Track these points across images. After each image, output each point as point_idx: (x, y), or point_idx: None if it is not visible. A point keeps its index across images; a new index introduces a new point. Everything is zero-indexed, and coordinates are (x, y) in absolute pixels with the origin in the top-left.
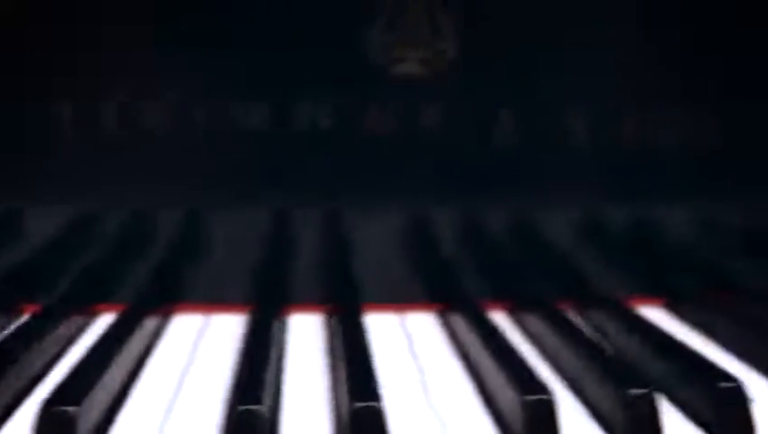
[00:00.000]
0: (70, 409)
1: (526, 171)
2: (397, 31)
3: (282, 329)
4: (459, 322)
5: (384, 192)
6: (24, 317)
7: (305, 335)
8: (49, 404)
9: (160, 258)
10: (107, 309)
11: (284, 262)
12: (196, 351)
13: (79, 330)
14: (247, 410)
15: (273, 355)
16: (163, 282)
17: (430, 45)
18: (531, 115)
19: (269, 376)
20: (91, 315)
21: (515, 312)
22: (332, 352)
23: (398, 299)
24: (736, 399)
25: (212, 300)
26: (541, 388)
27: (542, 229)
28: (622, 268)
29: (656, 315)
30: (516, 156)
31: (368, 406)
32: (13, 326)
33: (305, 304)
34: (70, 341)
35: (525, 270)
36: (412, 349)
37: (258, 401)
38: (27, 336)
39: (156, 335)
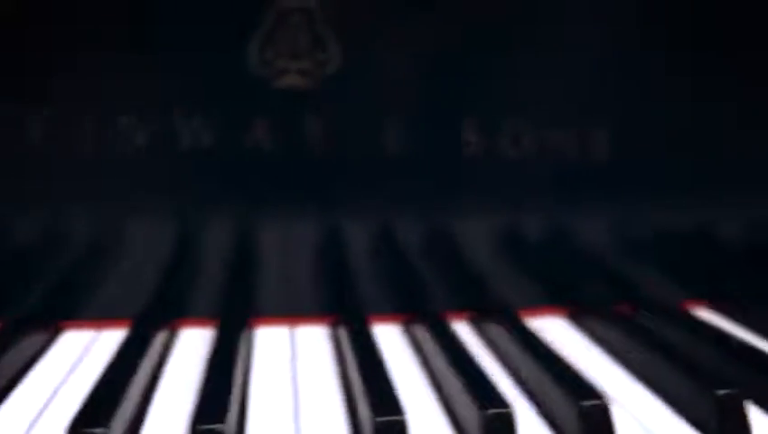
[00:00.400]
0: None
1: (412, 180)
2: (277, 43)
3: (168, 343)
4: (343, 335)
5: (269, 203)
6: None
7: (192, 350)
8: None
9: (52, 272)
10: None
11: (170, 277)
12: (79, 365)
13: None
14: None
15: (142, 373)
16: (52, 297)
17: (311, 56)
18: (417, 123)
19: (132, 394)
20: None
21: (407, 324)
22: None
23: (290, 311)
24: (600, 416)
25: (101, 316)
26: (396, 408)
27: (434, 237)
28: (522, 277)
29: (557, 325)
30: (404, 165)
31: (210, 428)
32: None
33: (197, 318)
34: None
35: (419, 281)
36: (294, 362)
37: (106, 424)
38: None
39: (42, 351)
